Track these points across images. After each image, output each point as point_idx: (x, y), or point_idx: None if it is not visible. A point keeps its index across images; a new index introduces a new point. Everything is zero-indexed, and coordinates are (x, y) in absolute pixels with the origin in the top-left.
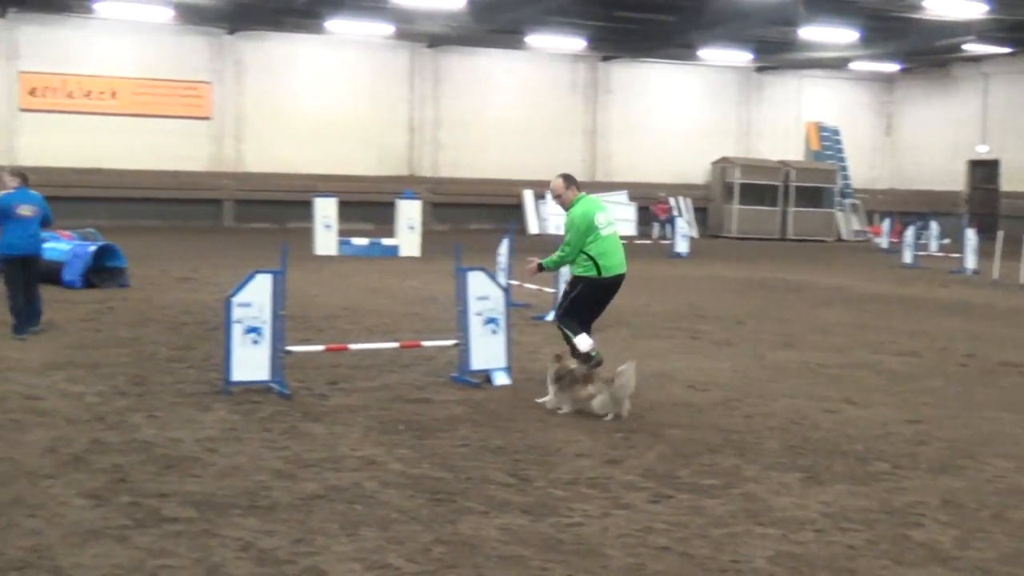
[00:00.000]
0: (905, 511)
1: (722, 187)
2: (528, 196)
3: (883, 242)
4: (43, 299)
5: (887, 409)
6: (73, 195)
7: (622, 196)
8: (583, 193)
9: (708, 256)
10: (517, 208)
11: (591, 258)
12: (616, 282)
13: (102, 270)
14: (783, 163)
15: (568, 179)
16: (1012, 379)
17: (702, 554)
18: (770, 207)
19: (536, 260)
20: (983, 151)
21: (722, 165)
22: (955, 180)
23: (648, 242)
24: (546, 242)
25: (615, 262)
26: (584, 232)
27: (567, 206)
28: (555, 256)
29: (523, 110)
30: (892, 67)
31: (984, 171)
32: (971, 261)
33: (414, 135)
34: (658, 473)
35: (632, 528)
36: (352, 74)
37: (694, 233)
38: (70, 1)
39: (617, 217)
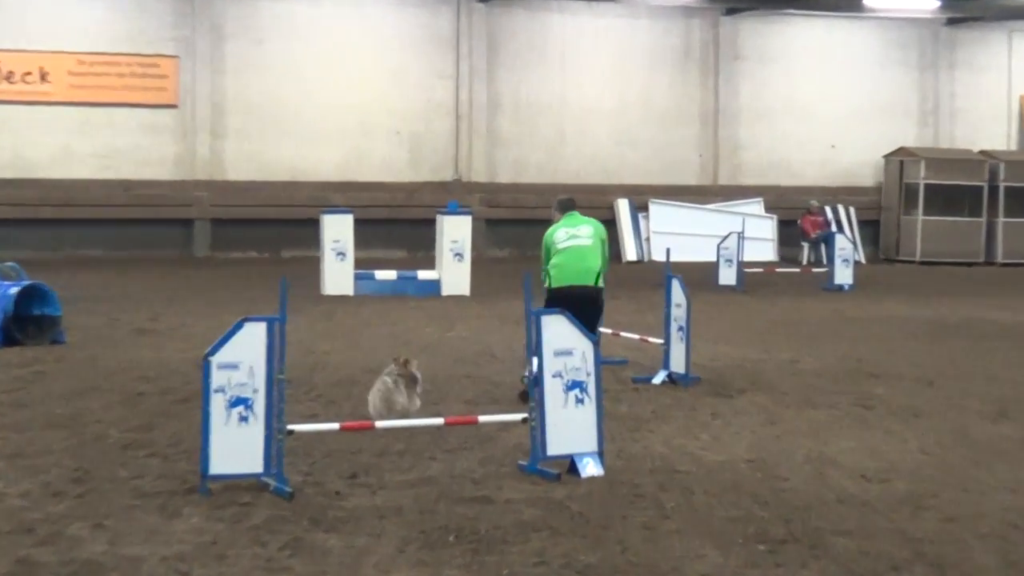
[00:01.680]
0: None
1: (900, 190)
2: (623, 208)
3: None
4: None
5: None
6: None
7: (756, 206)
8: (574, 211)
9: (881, 288)
10: (609, 224)
11: (547, 272)
12: (567, 293)
13: (27, 320)
14: (987, 155)
15: (557, 204)
16: None
17: None
18: (970, 218)
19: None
20: None
21: (899, 159)
22: None
23: (795, 270)
24: (646, 272)
25: (566, 273)
26: (546, 251)
27: None
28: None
29: (614, 88)
30: None
31: None
32: None
33: (460, 124)
34: None
35: None
36: (374, 41)
37: (860, 256)
38: None
39: (751, 235)
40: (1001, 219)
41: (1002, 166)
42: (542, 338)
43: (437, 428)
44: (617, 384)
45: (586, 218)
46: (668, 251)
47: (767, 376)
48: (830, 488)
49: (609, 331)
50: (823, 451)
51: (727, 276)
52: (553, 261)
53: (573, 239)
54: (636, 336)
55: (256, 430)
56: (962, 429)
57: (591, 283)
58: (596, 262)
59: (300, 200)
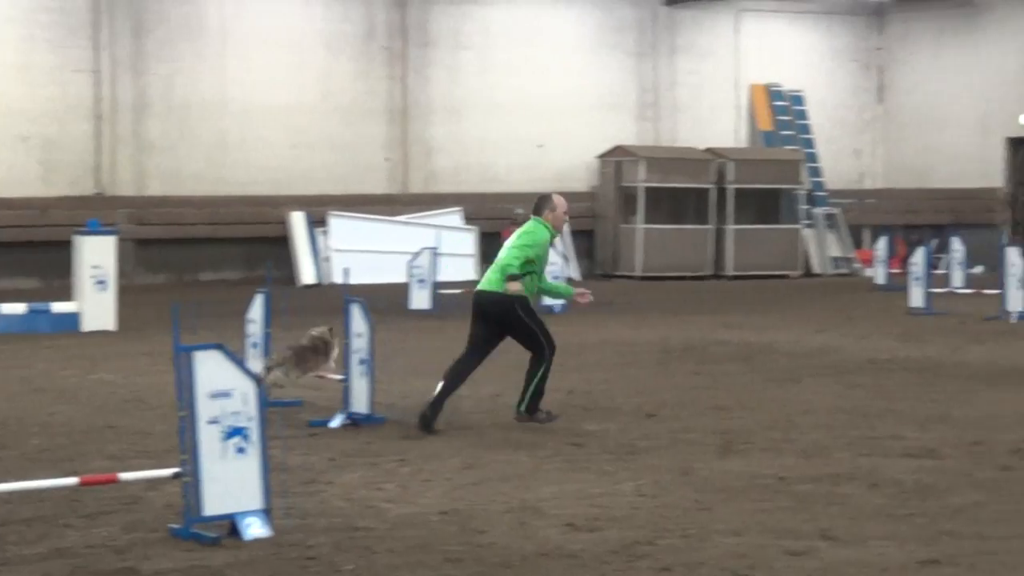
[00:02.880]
0: None
1: (617, 195)
2: (299, 222)
3: (878, 274)
4: None
5: (888, 546)
6: None
7: (454, 217)
8: (537, 218)
9: (597, 309)
10: (280, 244)
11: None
12: (473, 300)
13: None
14: (714, 153)
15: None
16: None
17: None
18: (696, 225)
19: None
20: None
21: (616, 160)
22: (988, 171)
23: (498, 290)
24: (326, 297)
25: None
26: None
27: None
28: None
29: (287, 81)
30: None
31: None
32: (1017, 300)
33: (102, 127)
34: None
35: None
36: None
37: (573, 272)
38: None
39: (448, 251)
40: (732, 226)
41: (731, 165)
42: (195, 379)
43: (72, 489)
44: (289, 429)
45: (532, 221)
46: (346, 271)
47: (465, 414)
48: (533, 540)
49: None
50: (526, 498)
51: (420, 299)
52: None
53: (503, 249)
54: (311, 373)
55: None
56: (684, 467)
57: (488, 288)
58: (502, 263)
59: None
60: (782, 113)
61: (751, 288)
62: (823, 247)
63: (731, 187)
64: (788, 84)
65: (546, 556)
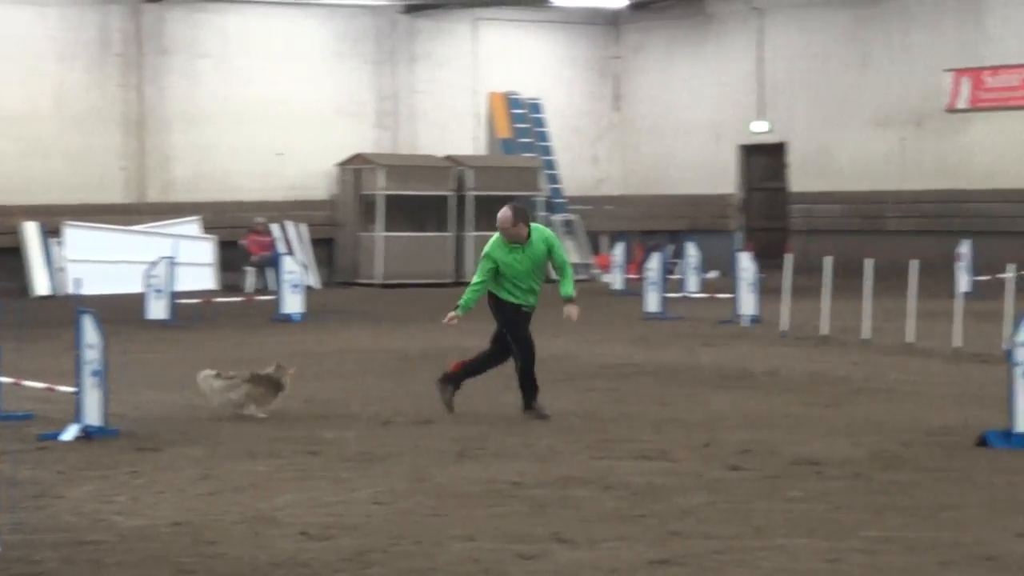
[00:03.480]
0: None
1: (357, 203)
2: (32, 232)
3: (615, 280)
4: None
5: (619, 547)
6: None
7: (192, 226)
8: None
9: (338, 317)
10: (11, 254)
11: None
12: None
13: None
14: (454, 160)
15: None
16: (808, 485)
17: None
18: (437, 232)
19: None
20: (761, 130)
21: (355, 168)
22: (721, 177)
23: (238, 299)
24: (60, 308)
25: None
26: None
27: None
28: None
29: (18, 90)
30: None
31: (765, 161)
32: (749, 304)
33: None
34: None
35: None
36: None
37: (313, 281)
38: None
39: (186, 260)
40: (470, 232)
41: (470, 173)
42: None
43: None
44: (19, 443)
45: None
46: (78, 282)
47: (202, 425)
48: (266, 550)
49: (10, 380)
50: (261, 508)
51: (157, 309)
52: None
53: None
54: (42, 385)
55: None
56: (420, 474)
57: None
58: None
59: None
60: (520, 121)
61: None
62: None
63: (470, 194)
64: (526, 92)
65: (278, 566)
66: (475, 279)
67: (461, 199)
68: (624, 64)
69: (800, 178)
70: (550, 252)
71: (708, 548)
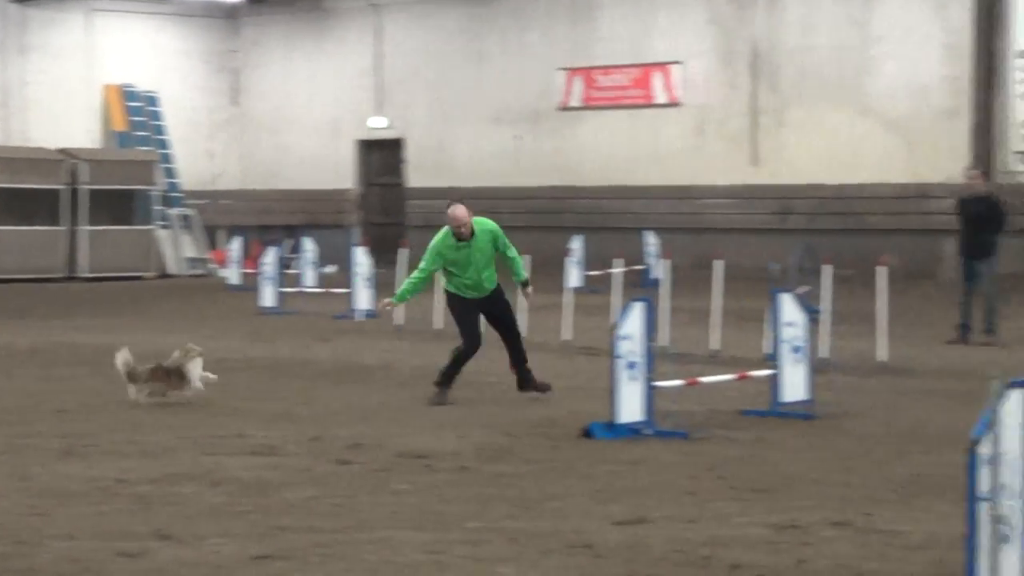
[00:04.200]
0: None
1: None
2: None
3: (232, 275)
4: None
5: (223, 544)
6: None
7: None
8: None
9: None
10: None
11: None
12: None
13: None
14: (67, 153)
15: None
16: (412, 478)
17: None
18: (48, 226)
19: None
20: (379, 126)
21: None
22: (340, 173)
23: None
24: None
25: None
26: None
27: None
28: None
29: None
30: None
31: (383, 156)
32: (364, 299)
33: None
34: None
35: None
36: None
37: None
38: None
39: None
40: (86, 227)
41: (84, 166)
42: None
43: None
44: None
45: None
46: None
47: None
48: None
49: None
50: None
51: None
52: None
53: None
54: None
55: None
56: (22, 472)
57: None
58: None
59: None
60: (137, 114)
61: (106, 290)
62: (178, 248)
63: (84, 188)
64: (143, 85)
65: None
66: (417, 272)
67: (75, 192)
68: (242, 58)
69: (417, 174)
70: (495, 243)
71: (312, 542)
